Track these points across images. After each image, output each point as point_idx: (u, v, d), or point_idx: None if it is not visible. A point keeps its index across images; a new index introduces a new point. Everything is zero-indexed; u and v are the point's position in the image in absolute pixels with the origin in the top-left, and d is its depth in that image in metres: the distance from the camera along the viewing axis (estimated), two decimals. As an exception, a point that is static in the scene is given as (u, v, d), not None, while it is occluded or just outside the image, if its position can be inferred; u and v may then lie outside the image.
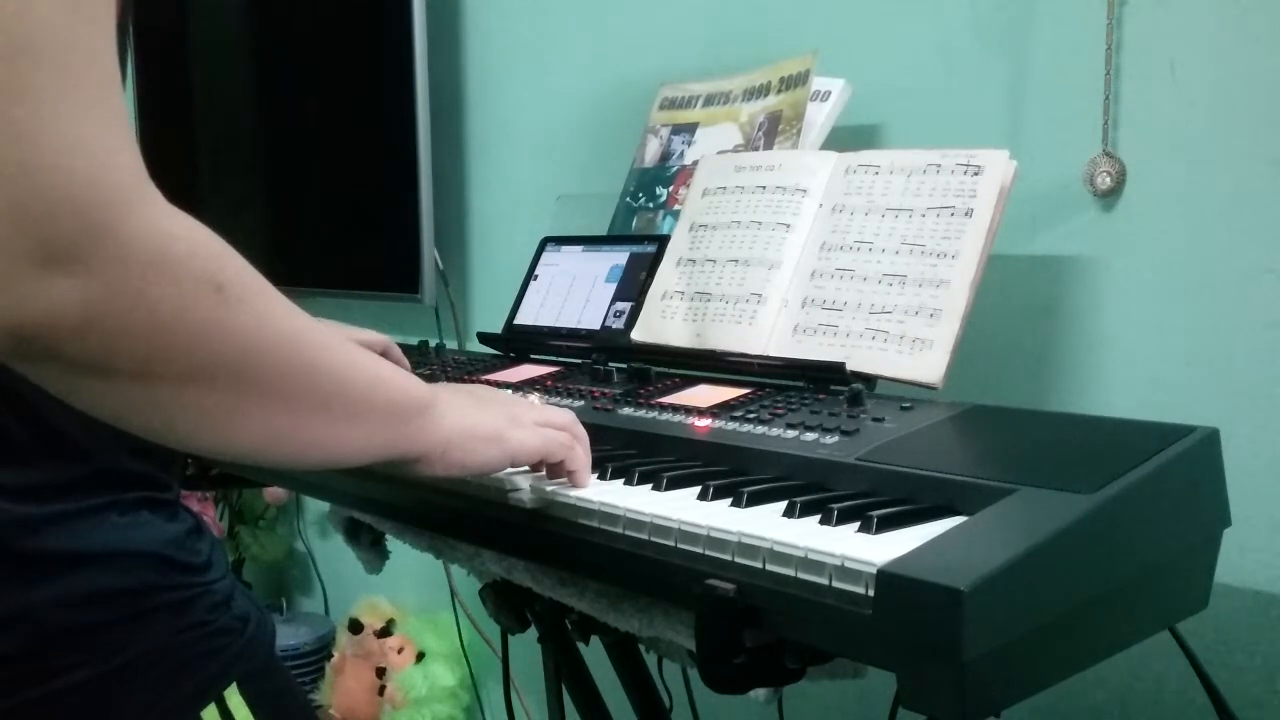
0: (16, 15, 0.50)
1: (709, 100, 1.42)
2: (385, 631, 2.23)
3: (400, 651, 2.20)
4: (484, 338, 1.42)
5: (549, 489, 0.85)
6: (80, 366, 0.54)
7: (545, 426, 0.83)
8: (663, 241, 1.29)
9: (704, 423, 0.99)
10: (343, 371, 0.67)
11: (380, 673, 2.20)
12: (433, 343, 1.48)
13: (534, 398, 0.89)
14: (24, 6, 0.50)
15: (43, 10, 0.51)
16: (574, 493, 0.84)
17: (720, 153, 1.34)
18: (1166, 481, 0.77)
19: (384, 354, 0.86)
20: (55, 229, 0.51)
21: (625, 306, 1.29)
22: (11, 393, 0.65)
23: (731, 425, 0.97)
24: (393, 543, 1.34)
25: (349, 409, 0.67)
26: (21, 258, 0.50)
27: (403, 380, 0.73)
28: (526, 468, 0.87)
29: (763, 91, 1.35)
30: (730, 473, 0.89)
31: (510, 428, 0.80)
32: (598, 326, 1.31)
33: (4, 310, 0.51)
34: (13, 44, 0.50)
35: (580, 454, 0.85)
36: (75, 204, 0.51)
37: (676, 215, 1.32)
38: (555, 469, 0.85)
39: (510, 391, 1.16)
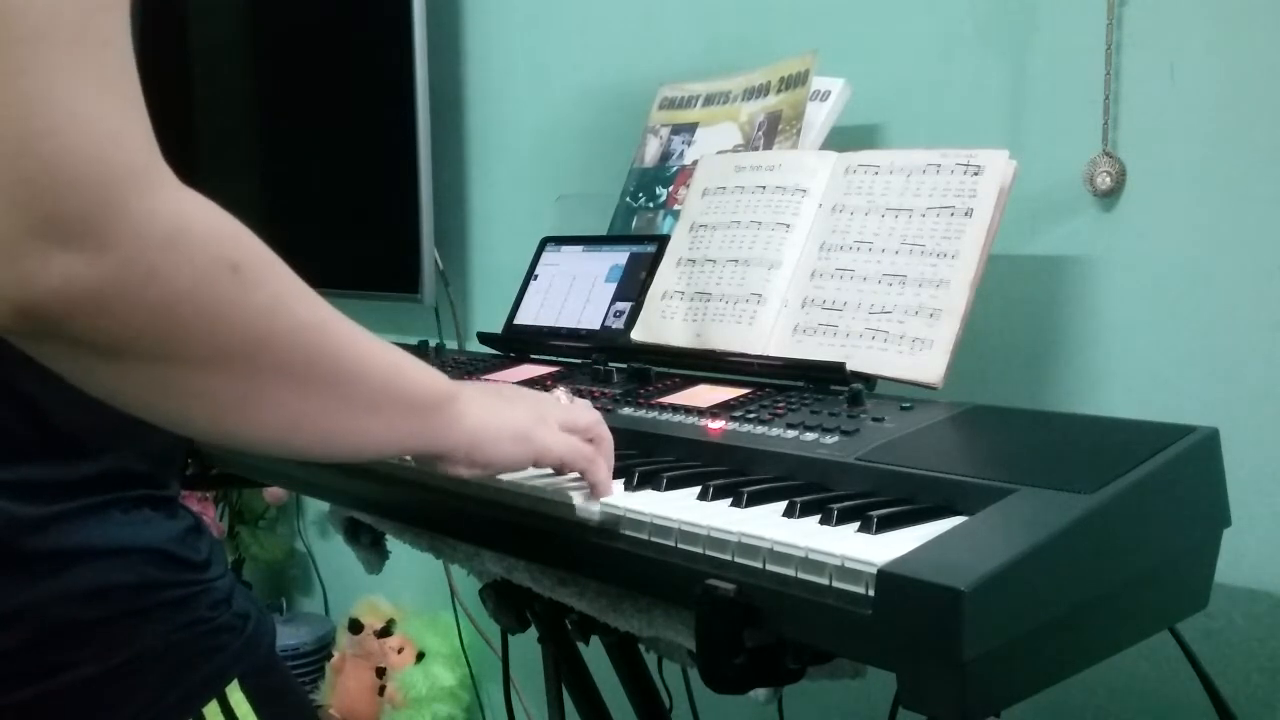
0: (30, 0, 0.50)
1: (709, 100, 1.42)
2: (385, 631, 2.22)
3: (400, 651, 2.20)
4: (484, 338, 1.42)
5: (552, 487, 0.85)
6: (91, 347, 0.54)
7: (571, 430, 0.82)
8: (663, 241, 1.29)
9: (704, 423, 0.99)
10: (364, 359, 0.65)
11: (380, 673, 2.20)
12: (433, 343, 1.48)
13: (560, 392, 0.88)
14: None
15: None
16: (577, 494, 0.84)
17: (720, 153, 1.34)
18: (1166, 481, 0.77)
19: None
20: (66, 204, 0.50)
21: (625, 306, 1.29)
22: (15, 392, 0.64)
23: (731, 425, 0.97)
24: (393, 543, 1.34)
25: (369, 398, 0.66)
26: (31, 233, 0.50)
27: (426, 373, 0.71)
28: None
29: (762, 91, 1.35)
30: (730, 473, 0.89)
31: (536, 427, 0.79)
32: (598, 326, 1.31)
33: (13, 286, 0.51)
34: (25, 26, 0.50)
35: (602, 466, 0.83)
36: (87, 180, 0.51)
37: (676, 215, 1.32)
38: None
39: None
